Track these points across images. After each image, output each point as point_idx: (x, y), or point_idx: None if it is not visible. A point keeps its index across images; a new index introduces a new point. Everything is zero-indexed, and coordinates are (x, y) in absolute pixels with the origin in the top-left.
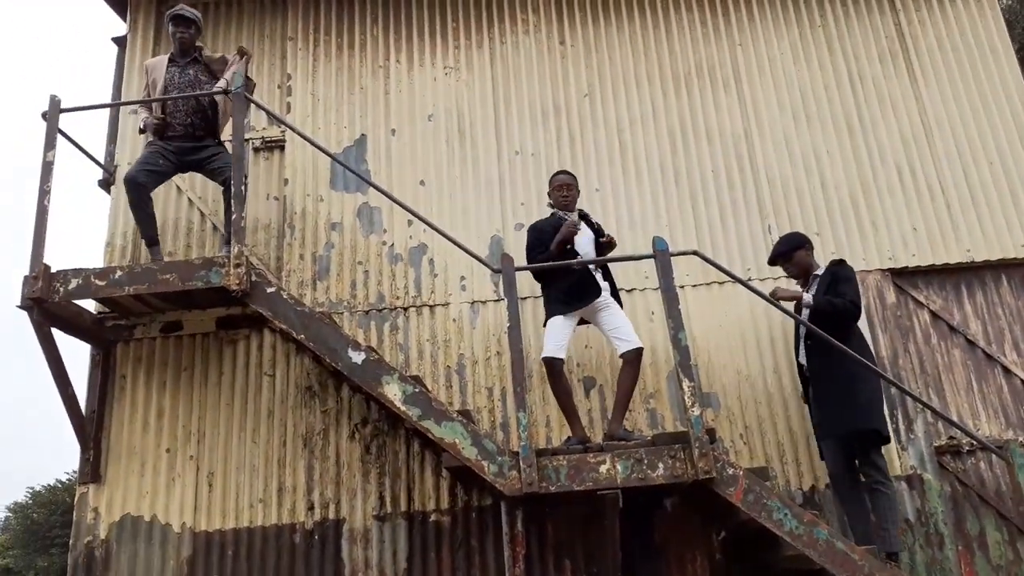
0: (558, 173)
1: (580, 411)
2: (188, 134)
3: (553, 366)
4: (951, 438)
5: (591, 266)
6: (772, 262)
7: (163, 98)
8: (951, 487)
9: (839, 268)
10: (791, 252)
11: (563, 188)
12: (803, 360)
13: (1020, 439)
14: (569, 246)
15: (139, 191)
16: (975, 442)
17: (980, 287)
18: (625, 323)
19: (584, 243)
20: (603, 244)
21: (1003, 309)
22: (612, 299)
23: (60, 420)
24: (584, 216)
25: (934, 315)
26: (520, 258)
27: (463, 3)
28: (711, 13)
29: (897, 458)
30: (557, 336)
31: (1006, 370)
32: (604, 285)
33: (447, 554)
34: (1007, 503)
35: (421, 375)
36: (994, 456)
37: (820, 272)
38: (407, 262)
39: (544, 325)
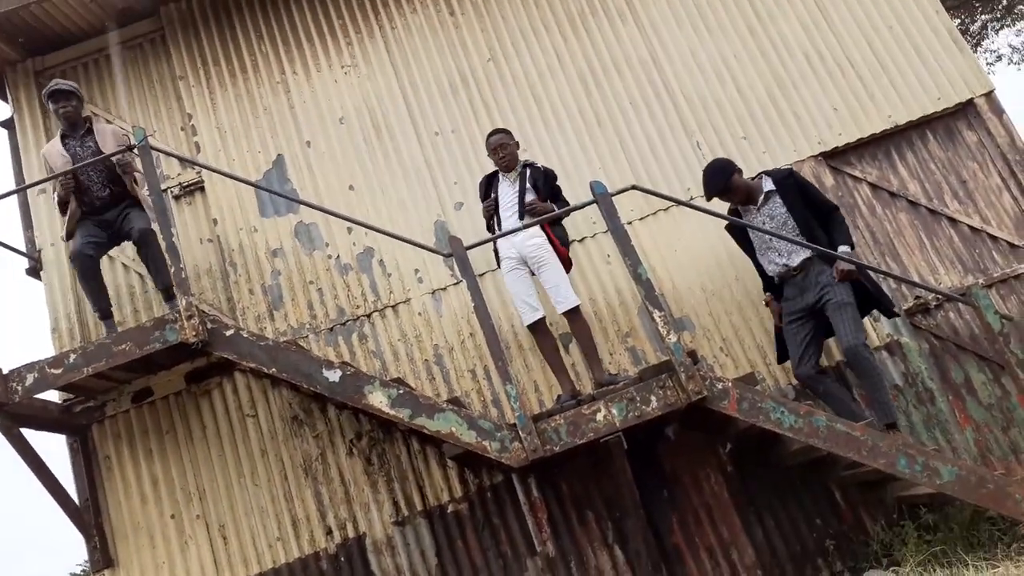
0: (490, 135)
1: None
2: (108, 204)
3: (534, 329)
4: (917, 298)
5: (514, 222)
6: (711, 198)
7: (70, 170)
8: (928, 343)
9: (790, 180)
10: (728, 182)
11: (498, 150)
12: (782, 264)
13: (980, 281)
14: (496, 209)
15: (88, 263)
16: (940, 296)
17: (909, 148)
18: (559, 281)
19: (507, 199)
20: (528, 209)
21: (935, 164)
22: (548, 255)
23: (56, 515)
24: (529, 167)
25: (873, 186)
26: (468, 236)
27: None
28: None
29: (872, 330)
30: (519, 297)
31: (952, 220)
32: (531, 236)
33: (473, 539)
34: (983, 344)
35: (402, 376)
36: (961, 304)
37: (770, 188)
38: (357, 270)
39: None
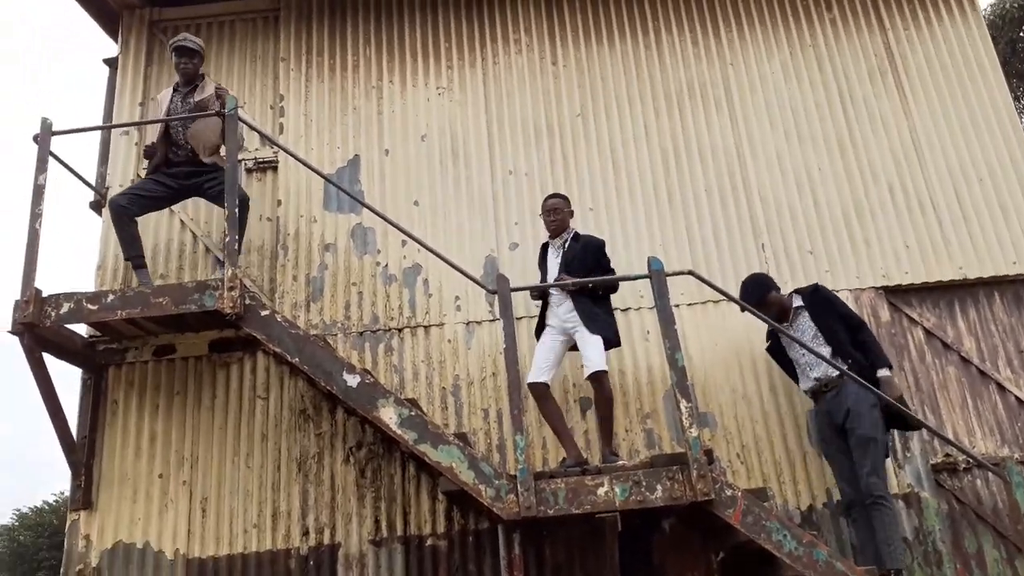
0: (548, 197)
1: (577, 432)
2: (189, 159)
3: (534, 390)
4: (947, 455)
5: (554, 292)
6: (745, 309)
7: (152, 120)
8: (948, 505)
9: (816, 295)
10: (764, 297)
11: (550, 213)
12: (814, 379)
13: (1016, 456)
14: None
15: (120, 211)
16: (971, 460)
17: (973, 304)
18: (591, 348)
19: (552, 267)
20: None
21: (996, 326)
22: (583, 326)
23: (48, 441)
24: (576, 245)
25: (928, 332)
26: (516, 278)
27: (455, 24)
28: (702, 34)
29: (894, 476)
30: (536, 359)
31: (1000, 387)
32: (569, 311)
33: None
34: (1004, 521)
35: (416, 397)
36: (991, 474)
37: (799, 304)
38: (401, 283)
39: None
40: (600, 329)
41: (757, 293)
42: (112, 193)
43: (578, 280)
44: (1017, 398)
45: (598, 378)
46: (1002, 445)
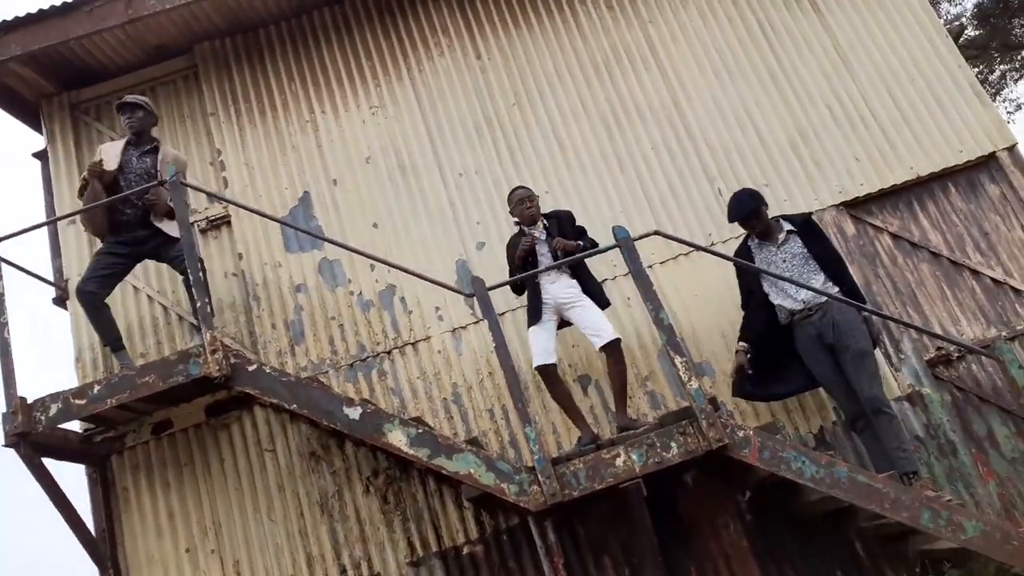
0: (515, 189)
1: (583, 409)
2: (138, 220)
3: (546, 373)
4: (939, 348)
5: (552, 274)
6: (738, 220)
7: (100, 203)
8: (950, 395)
9: (809, 223)
10: (759, 208)
11: (524, 202)
12: (801, 300)
13: (1003, 335)
14: (531, 258)
15: (91, 299)
16: (962, 348)
17: (931, 200)
18: (596, 318)
19: (546, 253)
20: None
21: (957, 216)
22: (581, 297)
23: (67, 542)
24: (553, 221)
25: (894, 236)
26: (489, 276)
27: (373, 40)
28: None
29: (893, 380)
30: (538, 343)
31: (974, 272)
32: (567, 286)
33: None
34: (1006, 398)
35: (420, 414)
36: (984, 357)
37: (790, 228)
38: (379, 307)
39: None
40: (600, 299)
41: (752, 204)
42: (73, 285)
43: (556, 263)
44: (992, 279)
45: (614, 346)
46: (988, 327)
